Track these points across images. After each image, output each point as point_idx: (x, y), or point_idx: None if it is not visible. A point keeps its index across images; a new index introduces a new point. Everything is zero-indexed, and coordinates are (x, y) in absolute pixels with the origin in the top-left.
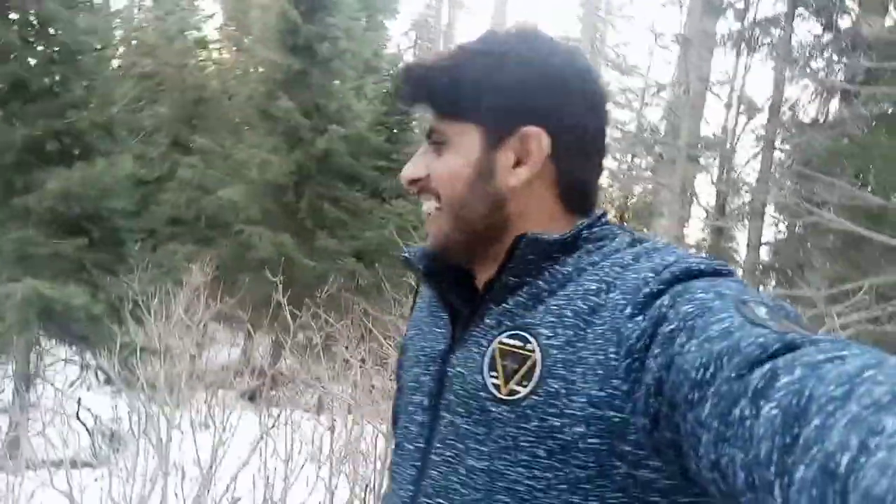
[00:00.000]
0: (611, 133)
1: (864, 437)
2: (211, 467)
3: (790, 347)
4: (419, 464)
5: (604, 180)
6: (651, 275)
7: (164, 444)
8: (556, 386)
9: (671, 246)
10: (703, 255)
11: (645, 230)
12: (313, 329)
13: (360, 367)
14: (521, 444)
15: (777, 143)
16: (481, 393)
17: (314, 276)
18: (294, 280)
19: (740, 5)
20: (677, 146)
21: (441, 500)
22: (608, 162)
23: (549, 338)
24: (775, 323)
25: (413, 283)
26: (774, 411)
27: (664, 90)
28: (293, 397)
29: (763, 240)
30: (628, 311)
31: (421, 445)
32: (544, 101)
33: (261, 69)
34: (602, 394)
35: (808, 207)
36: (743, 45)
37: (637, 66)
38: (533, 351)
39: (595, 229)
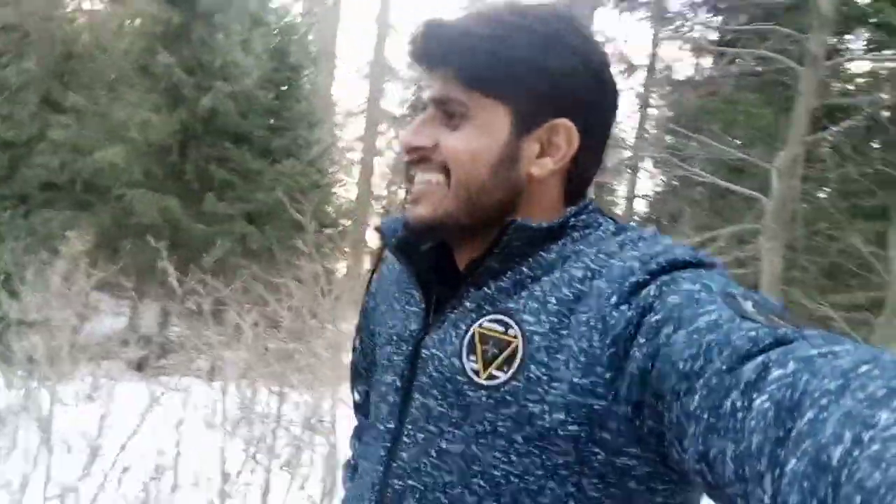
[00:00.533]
0: None
1: (857, 431)
2: (98, 439)
3: (781, 342)
4: (390, 445)
5: None
6: (637, 264)
7: (47, 418)
8: (537, 373)
9: (657, 235)
10: (689, 246)
11: None
12: (202, 294)
13: (253, 330)
14: (499, 429)
15: (653, 101)
16: (458, 377)
17: (202, 241)
18: (181, 245)
19: None
20: None
21: (412, 482)
22: None
23: (532, 324)
24: (763, 317)
25: (303, 246)
26: (767, 404)
27: None
28: (184, 364)
29: (641, 193)
30: (614, 299)
31: (392, 426)
32: (583, 95)
33: (137, 22)
34: (585, 381)
35: (677, 163)
36: (623, 4)
37: None
38: (515, 337)
39: (582, 216)
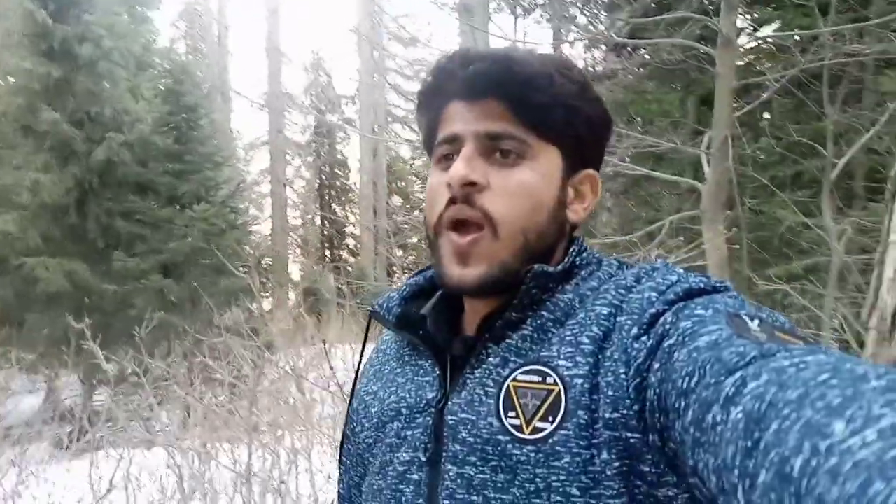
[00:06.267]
0: (405, 105)
1: (815, 442)
2: None
3: (765, 355)
4: None
5: (406, 152)
6: (655, 295)
7: None
8: (585, 417)
9: (668, 265)
10: (703, 275)
11: None
12: (130, 361)
13: (187, 393)
14: (553, 484)
15: None
16: (500, 437)
17: (117, 301)
18: (94, 309)
19: None
20: None
21: None
22: (408, 133)
23: (569, 368)
24: (766, 334)
25: (243, 304)
26: (739, 415)
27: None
28: (116, 435)
29: None
30: (634, 331)
31: None
32: (604, 144)
33: (13, 80)
34: (616, 415)
35: (606, 158)
36: (518, 8)
37: (418, 38)
38: (555, 384)
39: (584, 255)
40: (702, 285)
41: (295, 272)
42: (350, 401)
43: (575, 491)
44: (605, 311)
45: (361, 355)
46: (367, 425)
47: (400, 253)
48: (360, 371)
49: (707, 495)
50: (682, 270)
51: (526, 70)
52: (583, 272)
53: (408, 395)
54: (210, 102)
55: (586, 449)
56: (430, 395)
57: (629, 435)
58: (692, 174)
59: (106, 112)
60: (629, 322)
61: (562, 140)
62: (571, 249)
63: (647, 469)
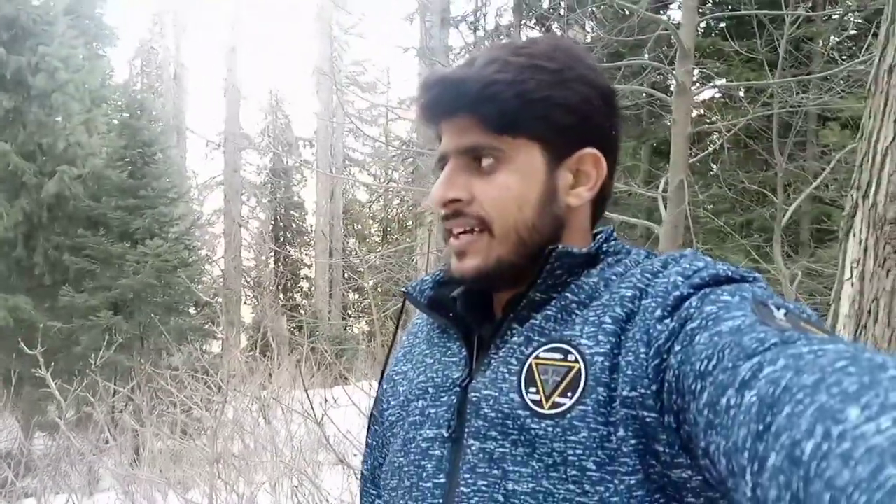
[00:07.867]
0: (363, 149)
1: (828, 426)
2: None
3: (786, 342)
4: (442, 500)
5: (363, 195)
6: (681, 279)
7: None
8: (604, 394)
9: (696, 253)
10: (732, 264)
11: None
12: (74, 400)
13: (137, 431)
14: (570, 458)
15: None
16: (519, 412)
17: (62, 338)
18: (39, 346)
19: (472, 19)
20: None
21: None
22: (365, 177)
23: (590, 346)
24: (790, 324)
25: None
26: (753, 399)
27: (410, 104)
28: (55, 480)
29: None
30: (658, 313)
31: (441, 480)
32: (602, 121)
33: None
34: (634, 394)
35: None
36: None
37: (377, 82)
38: (576, 361)
39: (612, 243)
40: (730, 273)
41: (246, 314)
42: (380, 383)
43: (591, 465)
44: (630, 293)
45: (394, 338)
46: (393, 403)
47: (355, 297)
48: (397, 350)
49: (716, 477)
50: (709, 258)
51: (477, 83)
52: (609, 258)
53: (435, 375)
54: (166, 139)
55: (604, 425)
56: (455, 375)
57: (645, 414)
58: (645, 219)
59: (58, 144)
60: (653, 304)
61: (538, 134)
62: (599, 236)
63: (661, 449)
